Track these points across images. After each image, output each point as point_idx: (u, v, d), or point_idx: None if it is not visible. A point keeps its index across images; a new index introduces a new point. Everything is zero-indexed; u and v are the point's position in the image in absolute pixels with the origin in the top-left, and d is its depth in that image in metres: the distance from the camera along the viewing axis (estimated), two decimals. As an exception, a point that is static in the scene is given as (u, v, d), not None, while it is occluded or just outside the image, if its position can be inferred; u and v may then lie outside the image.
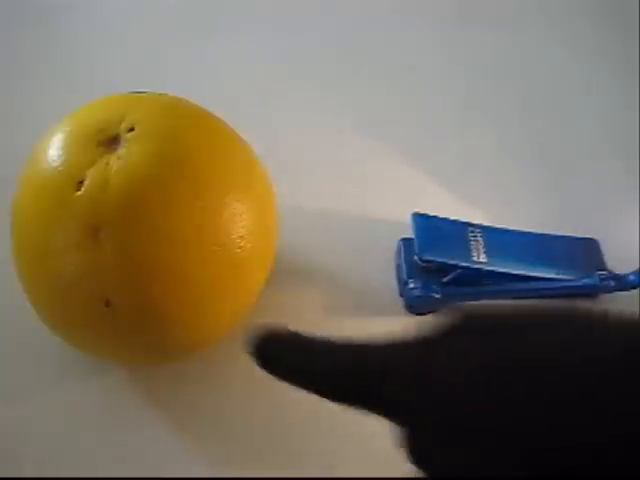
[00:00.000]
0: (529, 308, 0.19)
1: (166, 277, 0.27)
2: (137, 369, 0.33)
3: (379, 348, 0.19)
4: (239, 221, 0.28)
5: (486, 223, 0.36)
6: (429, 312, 0.35)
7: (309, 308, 0.35)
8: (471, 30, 0.49)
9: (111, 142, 0.28)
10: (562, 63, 0.47)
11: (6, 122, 0.43)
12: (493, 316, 0.19)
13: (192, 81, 0.44)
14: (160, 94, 0.31)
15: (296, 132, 0.43)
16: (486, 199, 0.40)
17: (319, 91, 0.45)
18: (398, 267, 0.36)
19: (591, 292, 0.35)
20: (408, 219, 0.35)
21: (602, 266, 0.35)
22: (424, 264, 0.34)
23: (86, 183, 0.26)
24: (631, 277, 0.34)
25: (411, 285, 0.34)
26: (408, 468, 0.18)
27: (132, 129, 0.28)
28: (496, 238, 0.35)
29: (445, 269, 0.34)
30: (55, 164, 0.27)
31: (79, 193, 0.26)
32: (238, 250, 0.28)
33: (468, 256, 0.34)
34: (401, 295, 0.35)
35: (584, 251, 0.36)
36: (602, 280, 0.34)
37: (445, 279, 0.34)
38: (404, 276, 0.35)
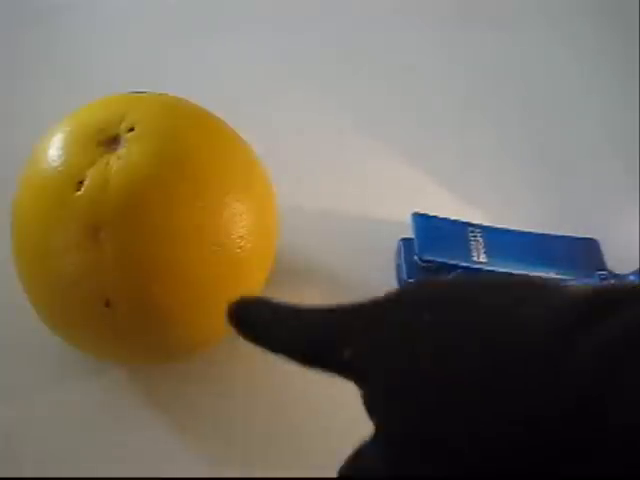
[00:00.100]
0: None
1: (166, 277, 0.27)
2: (137, 369, 0.33)
3: (338, 312, 0.20)
4: (239, 221, 0.28)
5: (486, 223, 0.35)
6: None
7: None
8: (471, 30, 0.49)
9: (111, 142, 0.28)
10: (562, 63, 0.47)
11: (6, 122, 0.43)
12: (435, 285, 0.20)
13: (192, 81, 0.44)
14: (160, 94, 0.31)
15: (296, 132, 0.43)
16: (486, 199, 0.40)
17: (319, 91, 0.45)
18: (398, 267, 0.36)
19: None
20: (408, 219, 0.35)
21: (602, 266, 0.35)
22: (424, 264, 0.34)
23: (86, 183, 0.26)
24: (631, 277, 0.34)
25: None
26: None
27: (132, 129, 0.28)
28: (496, 238, 0.35)
29: (445, 269, 0.34)
30: (55, 164, 0.27)
31: (79, 193, 0.26)
32: (238, 250, 0.28)
33: (468, 256, 0.34)
34: (401, 295, 0.35)
35: (584, 251, 0.36)
36: (602, 280, 0.34)
37: (445, 279, 0.34)
38: (404, 276, 0.35)
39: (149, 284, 0.27)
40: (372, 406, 0.19)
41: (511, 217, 0.38)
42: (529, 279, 0.19)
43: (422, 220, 0.35)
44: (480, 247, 0.34)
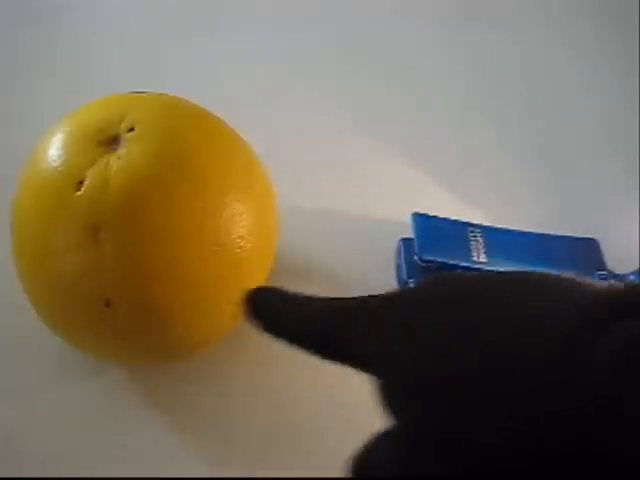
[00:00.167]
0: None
1: (166, 277, 0.27)
2: (137, 369, 0.33)
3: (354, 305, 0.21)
4: (239, 221, 0.28)
5: (486, 223, 0.36)
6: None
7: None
8: (471, 30, 0.49)
9: (111, 142, 0.28)
10: (562, 63, 0.47)
11: (6, 122, 0.43)
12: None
13: (192, 81, 0.44)
14: (160, 94, 0.31)
15: (296, 132, 0.43)
16: (486, 199, 0.40)
17: (319, 91, 0.45)
18: (398, 267, 0.36)
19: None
20: (408, 219, 0.35)
21: (602, 266, 0.35)
22: (424, 264, 0.34)
23: (86, 183, 0.26)
24: (631, 277, 0.34)
25: (411, 285, 0.34)
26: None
27: (132, 129, 0.28)
28: (496, 238, 0.35)
29: (445, 269, 0.34)
30: (55, 164, 0.27)
31: (79, 193, 0.26)
32: (238, 250, 0.28)
33: (468, 256, 0.34)
34: (401, 295, 0.35)
35: (584, 251, 0.36)
36: (602, 280, 0.34)
37: (445, 279, 0.34)
38: (404, 276, 0.35)
39: (149, 284, 0.27)
40: (387, 403, 0.19)
41: (511, 217, 0.38)
42: (548, 275, 0.19)
43: (422, 220, 0.35)
44: (480, 247, 0.34)
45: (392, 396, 0.19)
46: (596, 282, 0.18)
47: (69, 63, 0.46)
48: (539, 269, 0.34)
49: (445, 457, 0.17)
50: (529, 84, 0.46)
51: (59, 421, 0.31)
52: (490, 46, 0.48)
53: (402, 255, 0.36)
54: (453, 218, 0.35)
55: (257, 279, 0.31)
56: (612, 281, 0.34)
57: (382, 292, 0.21)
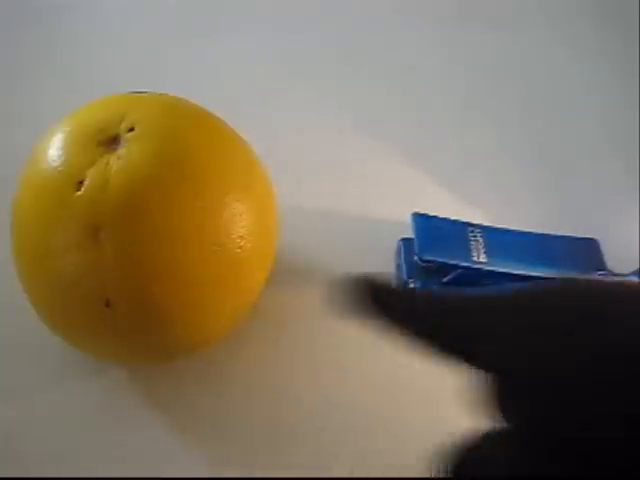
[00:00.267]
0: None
1: (166, 277, 0.27)
2: (137, 369, 0.33)
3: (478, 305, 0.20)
4: (239, 221, 0.28)
5: (486, 223, 0.35)
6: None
7: (309, 308, 0.35)
8: (471, 30, 0.49)
9: (111, 142, 0.28)
10: (562, 63, 0.47)
11: (6, 122, 0.43)
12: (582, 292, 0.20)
13: (192, 81, 0.44)
14: (160, 94, 0.31)
15: (296, 132, 0.43)
16: (486, 199, 0.40)
17: (319, 91, 0.45)
18: (398, 267, 0.36)
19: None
20: (408, 219, 0.35)
21: (602, 266, 0.35)
22: (424, 264, 0.34)
23: (86, 183, 0.26)
24: (631, 277, 0.34)
25: (411, 285, 0.34)
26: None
27: (132, 129, 0.28)
28: (496, 238, 0.35)
29: (445, 269, 0.34)
30: (55, 164, 0.27)
31: (79, 193, 0.26)
32: (238, 250, 0.28)
33: (468, 256, 0.34)
34: (401, 295, 0.35)
35: (584, 251, 0.36)
36: (602, 280, 0.34)
37: (445, 279, 0.34)
38: (404, 276, 0.35)
39: (149, 284, 0.27)
40: (499, 402, 0.19)
41: (511, 217, 0.38)
42: None
43: (422, 220, 0.35)
44: (480, 247, 0.34)
45: (506, 396, 0.19)
46: None
47: (69, 63, 0.46)
48: (539, 269, 0.34)
49: (558, 457, 0.17)
50: (529, 84, 0.46)
51: (59, 421, 0.31)
52: (490, 46, 0.48)
53: (402, 255, 0.36)
54: (453, 218, 0.35)
55: (257, 279, 0.31)
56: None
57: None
